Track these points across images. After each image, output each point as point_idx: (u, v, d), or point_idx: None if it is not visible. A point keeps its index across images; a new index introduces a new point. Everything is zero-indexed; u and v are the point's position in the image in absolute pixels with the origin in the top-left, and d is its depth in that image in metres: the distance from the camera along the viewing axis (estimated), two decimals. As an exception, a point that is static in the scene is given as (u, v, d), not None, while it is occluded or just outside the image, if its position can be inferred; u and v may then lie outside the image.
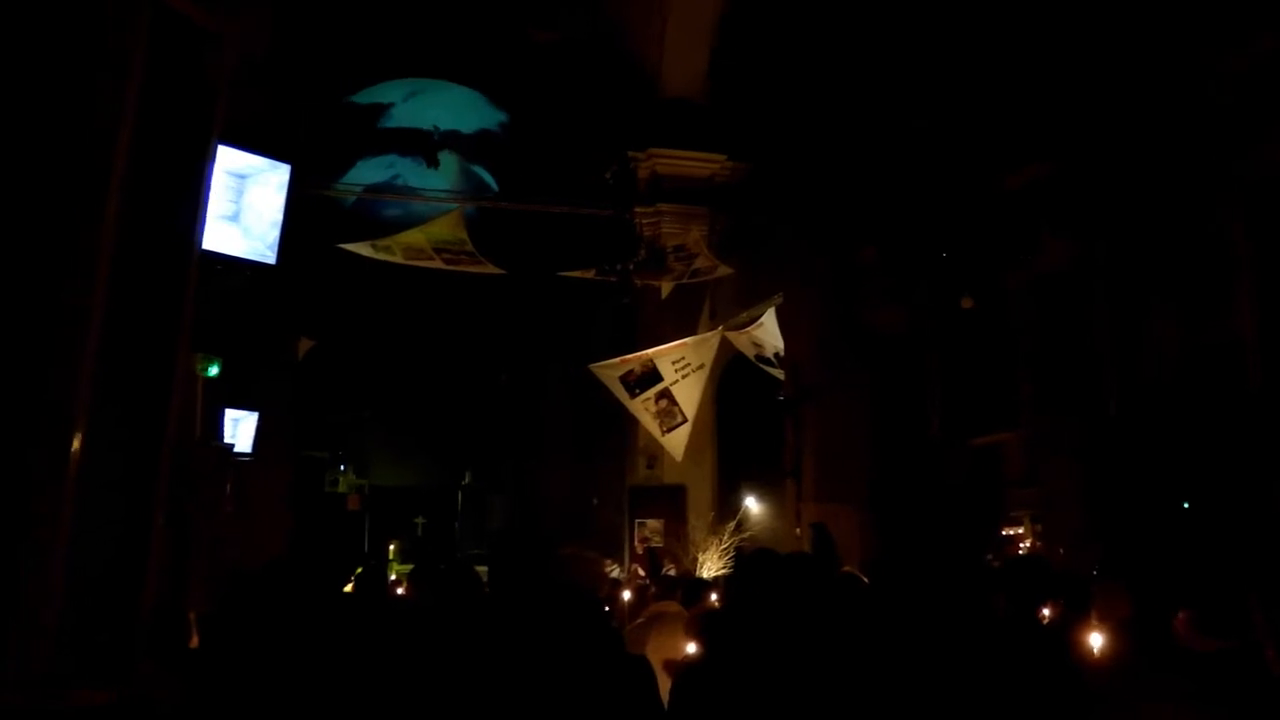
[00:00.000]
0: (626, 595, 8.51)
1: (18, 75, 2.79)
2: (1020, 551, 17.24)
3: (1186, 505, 14.18)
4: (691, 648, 5.96)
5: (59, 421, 2.85)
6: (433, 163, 21.86)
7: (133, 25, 2.76)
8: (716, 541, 19.06)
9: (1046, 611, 5.51)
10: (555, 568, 5.48)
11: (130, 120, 2.73)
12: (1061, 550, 15.35)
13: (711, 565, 18.76)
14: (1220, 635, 3.60)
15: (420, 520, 26.18)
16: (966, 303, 16.53)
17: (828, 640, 4.50)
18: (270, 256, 6.87)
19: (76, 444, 2.90)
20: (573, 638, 5.01)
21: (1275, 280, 12.43)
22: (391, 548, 22.53)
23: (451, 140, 24.25)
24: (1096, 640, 4.02)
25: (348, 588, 9.40)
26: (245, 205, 7.25)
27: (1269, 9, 12.17)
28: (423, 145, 21.95)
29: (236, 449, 12.39)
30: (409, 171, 24.44)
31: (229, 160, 7.46)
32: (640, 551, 20.51)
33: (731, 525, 19.22)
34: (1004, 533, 18.00)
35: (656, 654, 6.89)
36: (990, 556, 17.27)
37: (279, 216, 7.00)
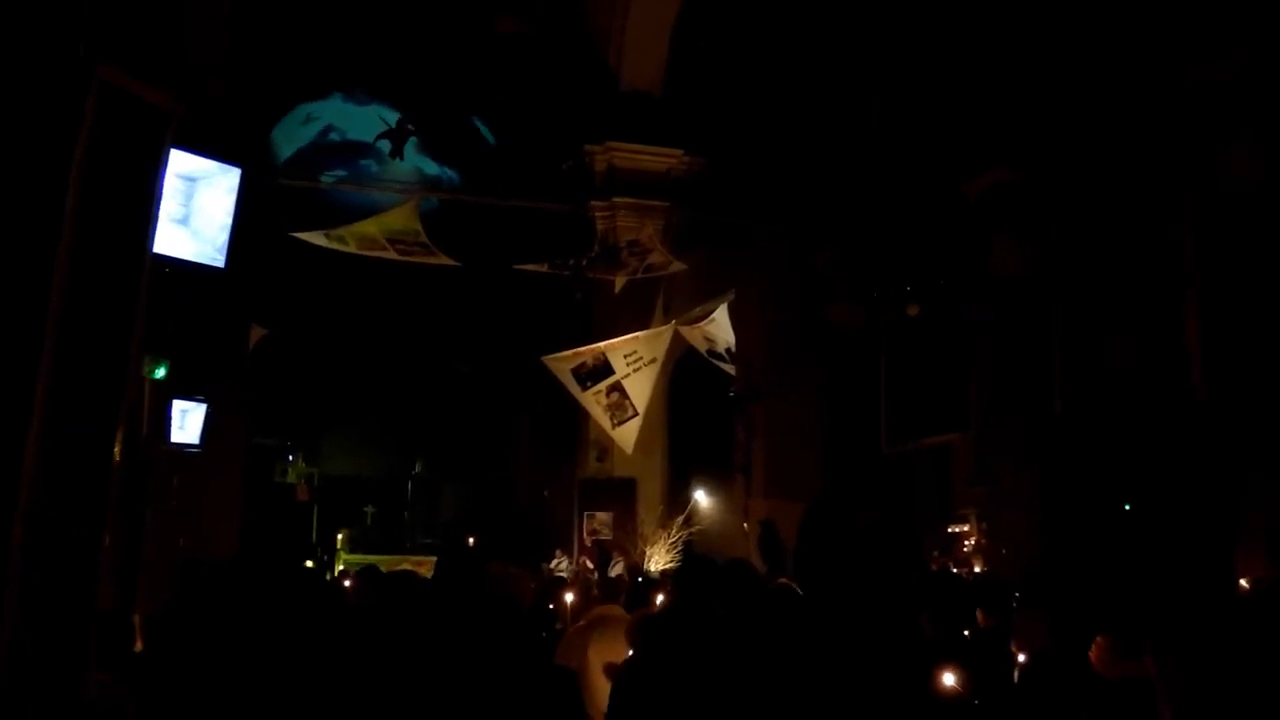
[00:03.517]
0: (570, 597, 8.57)
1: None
2: (965, 549, 17.42)
3: (1127, 507, 14.38)
4: (631, 653, 6.03)
5: (14, 425, 2.88)
6: (397, 154, 21.80)
7: (80, 103, 2.81)
8: (665, 535, 19.15)
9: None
10: (486, 583, 5.57)
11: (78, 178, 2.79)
12: (1004, 550, 15.53)
13: (660, 559, 18.86)
14: (1135, 661, 3.69)
15: (370, 509, 26.14)
16: (913, 310, 16.64)
17: (757, 650, 4.57)
18: (219, 260, 6.87)
19: (31, 448, 2.93)
20: (496, 649, 5.10)
21: (1223, 293, 12.57)
22: (340, 537, 22.48)
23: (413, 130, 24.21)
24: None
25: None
26: (195, 208, 7.24)
27: (1235, 27, 12.30)
28: (391, 137, 21.90)
29: (185, 440, 12.32)
30: (369, 170, 24.41)
31: (179, 163, 7.42)
32: (589, 544, 20.57)
33: (681, 519, 19.32)
34: (950, 530, 18.18)
35: (598, 657, 6.94)
36: (936, 553, 17.48)
37: (229, 220, 7.00)
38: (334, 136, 25.86)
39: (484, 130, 25.47)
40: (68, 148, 2.76)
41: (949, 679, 3.90)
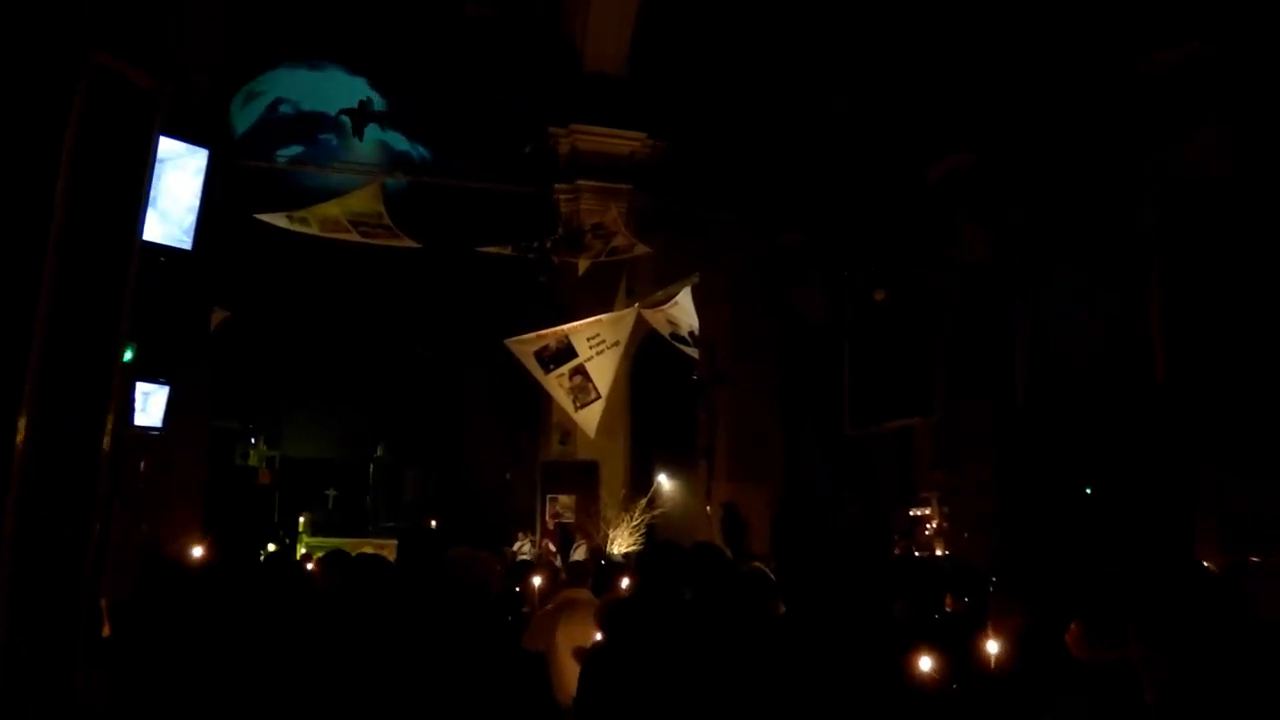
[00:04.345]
0: (537, 581, 8.57)
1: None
2: (927, 532, 17.53)
3: (1089, 491, 14.50)
4: (599, 637, 6.04)
5: (3, 415, 2.86)
6: (359, 134, 21.65)
7: (72, 88, 2.78)
8: (628, 518, 19.17)
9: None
10: (449, 567, 5.57)
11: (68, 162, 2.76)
12: (966, 534, 15.64)
13: (622, 542, 18.88)
14: (1111, 646, 3.71)
15: (332, 492, 26.04)
16: (879, 295, 16.70)
17: (727, 632, 4.59)
18: (186, 242, 6.82)
19: (20, 438, 2.90)
20: (463, 634, 5.11)
21: (1185, 279, 12.66)
22: (302, 520, 22.38)
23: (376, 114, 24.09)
24: (992, 647, 4.15)
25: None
26: (162, 190, 7.17)
27: (1196, 12, 12.37)
28: (353, 117, 21.74)
29: (148, 423, 12.24)
30: (329, 150, 24.22)
31: (147, 145, 7.35)
32: (551, 527, 20.57)
33: (643, 502, 19.34)
34: (911, 514, 18.28)
35: (566, 641, 6.95)
36: (897, 537, 17.57)
37: (196, 201, 6.94)
38: (285, 109, 25.47)
39: (419, 149, 25.36)
40: (58, 133, 2.73)
41: (926, 664, 3.91)
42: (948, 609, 6.02)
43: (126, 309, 3.15)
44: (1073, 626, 4.00)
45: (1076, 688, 3.61)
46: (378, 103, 24.03)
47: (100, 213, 2.97)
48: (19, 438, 2.77)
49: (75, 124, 2.77)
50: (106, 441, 3.10)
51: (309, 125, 25.02)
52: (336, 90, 24.48)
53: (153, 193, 8.05)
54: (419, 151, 25.56)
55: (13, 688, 2.88)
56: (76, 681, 3.13)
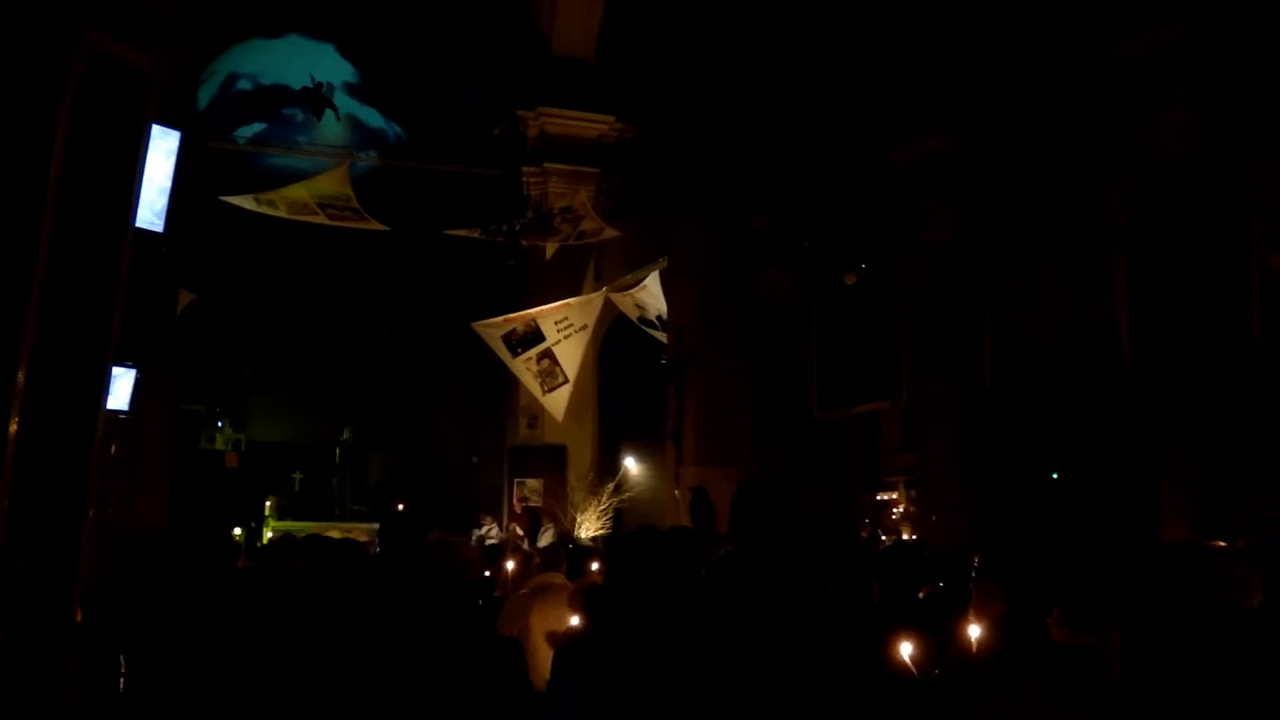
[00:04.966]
0: (510, 565, 8.56)
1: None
2: (894, 516, 17.63)
3: (1055, 476, 14.61)
4: (575, 621, 6.05)
5: None
6: (317, 115, 21.48)
7: (66, 64, 2.75)
8: (596, 502, 19.19)
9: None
10: (425, 554, 5.57)
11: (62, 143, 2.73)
12: (934, 517, 15.73)
13: (590, 526, 18.90)
14: (1091, 632, 3.74)
15: (298, 475, 25.98)
16: (850, 278, 16.76)
17: (706, 617, 4.59)
18: (158, 225, 6.74)
19: (14, 428, 2.88)
20: (442, 620, 5.11)
21: (1151, 260, 12.74)
22: (268, 504, 22.30)
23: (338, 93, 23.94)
24: (974, 632, 4.18)
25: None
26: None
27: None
28: (308, 99, 21.55)
29: (116, 407, 12.15)
30: (294, 126, 24.02)
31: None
32: (519, 511, 20.58)
33: (611, 486, 19.37)
34: (879, 497, 18.39)
35: (540, 625, 6.97)
36: (867, 520, 17.67)
37: (168, 183, 6.85)
38: (243, 85, 25.01)
39: (394, 127, 25.19)
40: (51, 115, 2.71)
41: (907, 649, 3.93)
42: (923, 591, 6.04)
43: (121, 296, 3.13)
44: (1055, 610, 4.03)
45: (1056, 672, 3.64)
46: (345, 72, 23.86)
47: (94, 199, 2.94)
48: (12, 427, 2.76)
49: (68, 107, 2.74)
50: (100, 428, 3.09)
51: (271, 99, 24.63)
52: (298, 60, 24.17)
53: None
54: (394, 130, 25.37)
55: (9, 677, 2.87)
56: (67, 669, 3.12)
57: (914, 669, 3.95)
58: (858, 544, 6.82)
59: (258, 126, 24.09)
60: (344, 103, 23.42)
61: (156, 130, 7.85)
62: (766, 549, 3.46)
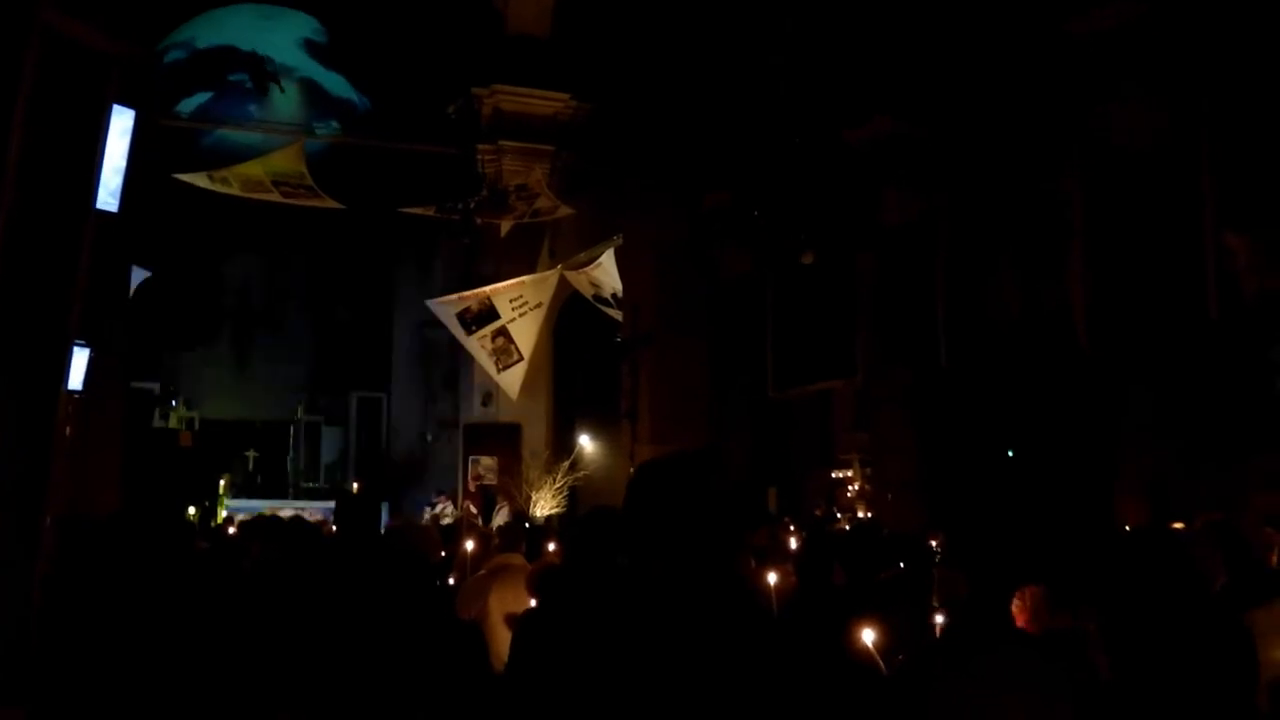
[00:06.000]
0: (470, 545, 8.52)
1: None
2: (849, 495, 17.72)
3: (1010, 454, 14.71)
4: (534, 604, 6.04)
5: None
6: (262, 91, 21.29)
7: (25, 46, 2.71)
8: (551, 481, 19.19)
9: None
10: (390, 537, 5.54)
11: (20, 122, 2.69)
12: (889, 496, 15.82)
13: (545, 504, 18.91)
14: (1070, 616, 3.78)
15: (252, 454, 25.81)
16: (807, 258, 16.80)
17: (663, 600, 4.59)
18: (113, 204, 6.68)
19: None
20: (403, 605, 5.08)
21: (1106, 242, 12.82)
22: (222, 482, 22.15)
23: (290, 70, 23.76)
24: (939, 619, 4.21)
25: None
26: (90, 151, 7.02)
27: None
28: (253, 74, 21.37)
29: (69, 386, 12.05)
30: (249, 99, 23.78)
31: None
32: (473, 489, 20.55)
33: (566, 465, 19.37)
34: (833, 475, 18.46)
35: (499, 607, 6.93)
36: (823, 501, 17.76)
37: (123, 163, 6.79)
38: (177, 54, 24.38)
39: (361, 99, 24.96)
40: (9, 97, 2.67)
41: (869, 636, 3.95)
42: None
43: (82, 278, 3.10)
44: (1030, 592, 4.07)
45: (1021, 658, 3.66)
46: (308, 29, 23.63)
47: (54, 182, 2.91)
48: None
49: (26, 90, 2.71)
50: (61, 409, 3.06)
51: (217, 65, 24.23)
52: (255, 28, 23.91)
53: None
54: (359, 99, 25.06)
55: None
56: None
57: (877, 655, 3.97)
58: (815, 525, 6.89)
59: (204, 96, 23.79)
60: (314, 69, 23.24)
61: (113, 108, 7.78)
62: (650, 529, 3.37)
